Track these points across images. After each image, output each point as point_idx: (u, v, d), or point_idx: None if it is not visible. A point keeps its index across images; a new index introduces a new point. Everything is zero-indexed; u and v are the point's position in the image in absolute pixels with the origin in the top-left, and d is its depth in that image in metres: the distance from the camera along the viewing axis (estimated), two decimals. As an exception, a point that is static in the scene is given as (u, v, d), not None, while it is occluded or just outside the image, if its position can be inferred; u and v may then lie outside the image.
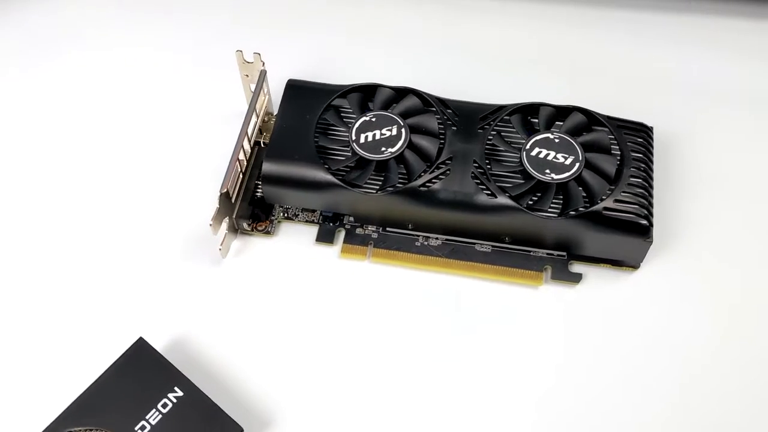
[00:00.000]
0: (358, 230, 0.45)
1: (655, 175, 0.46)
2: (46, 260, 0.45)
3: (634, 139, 0.43)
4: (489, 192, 0.42)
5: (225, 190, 0.42)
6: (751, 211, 0.46)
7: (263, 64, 0.47)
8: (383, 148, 0.43)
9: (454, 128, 0.44)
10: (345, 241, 0.45)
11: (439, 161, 0.43)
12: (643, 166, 0.42)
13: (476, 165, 0.43)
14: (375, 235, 0.45)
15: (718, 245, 0.44)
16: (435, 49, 0.53)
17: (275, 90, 0.48)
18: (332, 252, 0.45)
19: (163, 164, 0.48)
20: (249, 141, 0.46)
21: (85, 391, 0.39)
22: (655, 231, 0.44)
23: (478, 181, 0.42)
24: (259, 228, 0.46)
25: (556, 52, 0.53)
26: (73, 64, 0.53)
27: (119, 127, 0.50)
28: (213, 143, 0.48)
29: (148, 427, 0.38)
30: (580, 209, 0.41)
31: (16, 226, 0.46)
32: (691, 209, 0.46)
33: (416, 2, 0.56)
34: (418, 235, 0.45)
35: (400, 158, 0.43)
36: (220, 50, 0.52)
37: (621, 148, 0.43)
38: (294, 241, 0.46)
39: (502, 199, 0.41)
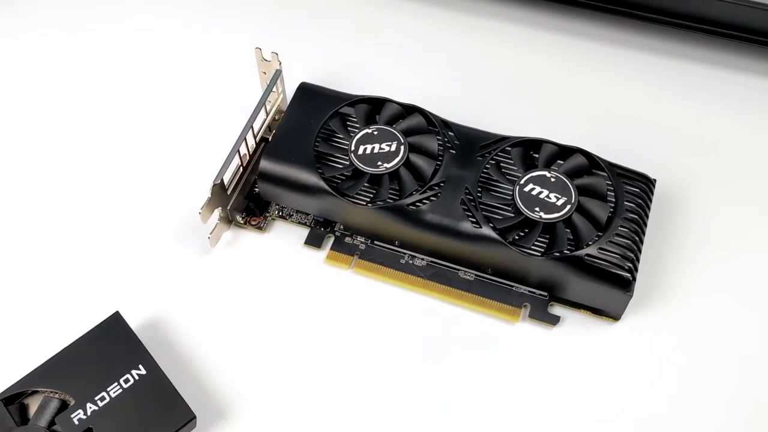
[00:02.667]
0: (347, 239, 0.46)
1: (653, 228, 0.45)
2: (46, 230, 0.47)
3: (633, 189, 0.42)
4: (474, 221, 0.41)
5: (219, 181, 0.43)
6: (745, 279, 0.44)
7: (280, 63, 0.47)
8: (379, 162, 0.43)
9: (453, 152, 0.44)
10: (332, 248, 0.45)
11: (432, 183, 0.43)
12: (636, 217, 0.41)
13: (467, 192, 0.42)
14: (362, 246, 0.45)
15: (707, 310, 0.43)
16: (457, 71, 0.53)
17: (292, 91, 0.49)
18: (318, 256, 0.46)
19: (172, 148, 0.50)
20: (254, 136, 0.47)
21: (55, 355, 0.40)
22: (645, 286, 0.43)
23: (466, 209, 0.42)
24: (253, 223, 0.46)
25: (579, 91, 0.52)
26: (101, 39, 0.55)
27: (134, 108, 0.52)
28: (226, 132, 0.49)
29: (107, 399, 0.39)
30: (564, 252, 0.40)
31: (22, 198, 0.48)
32: (684, 268, 0.44)
33: (449, 24, 0.56)
34: (405, 253, 0.45)
35: (394, 174, 0.43)
36: (249, 44, 0.52)
37: (616, 196, 0.42)
38: (284, 240, 0.46)
39: (486, 230, 0.41)
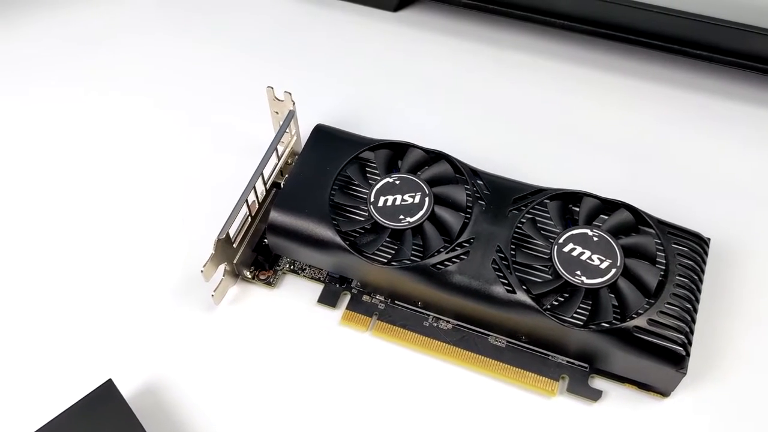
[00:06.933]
0: (365, 297, 0.41)
1: (707, 293, 0.40)
2: (36, 285, 0.43)
3: (685, 250, 0.38)
4: (508, 285, 0.37)
5: (223, 236, 0.39)
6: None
7: (293, 103, 0.44)
8: (401, 216, 0.39)
9: (483, 205, 0.40)
10: (348, 307, 0.41)
11: (460, 240, 0.38)
12: (690, 282, 0.37)
13: (499, 252, 0.38)
14: (381, 306, 0.41)
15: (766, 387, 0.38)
16: (487, 113, 0.49)
17: (308, 133, 0.45)
18: (333, 316, 0.41)
19: (176, 194, 0.46)
20: (264, 183, 0.43)
21: (39, 429, 0.36)
22: (699, 357, 0.38)
23: (498, 270, 0.38)
24: (261, 277, 0.42)
25: (623, 135, 0.47)
26: (102, 74, 0.52)
27: (135, 151, 0.48)
28: (237, 176, 0.45)
29: (94, 481, 0.35)
30: (609, 323, 0.36)
31: (12, 250, 0.44)
32: (742, 337, 0.40)
33: (479, 60, 0.52)
34: (428, 315, 0.41)
35: (418, 229, 0.39)
36: (263, 82, 0.49)
37: (667, 259, 0.37)
38: (295, 296, 0.42)
39: (521, 296, 0.37)
